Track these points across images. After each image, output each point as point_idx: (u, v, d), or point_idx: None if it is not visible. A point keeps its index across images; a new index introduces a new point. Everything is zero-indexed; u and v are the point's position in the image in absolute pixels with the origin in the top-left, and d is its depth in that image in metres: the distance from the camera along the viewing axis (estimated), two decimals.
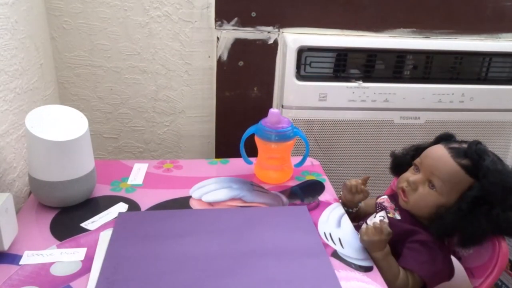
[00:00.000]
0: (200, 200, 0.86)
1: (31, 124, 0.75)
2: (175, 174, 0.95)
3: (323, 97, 1.17)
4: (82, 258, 0.68)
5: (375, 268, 0.71)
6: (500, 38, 1.25)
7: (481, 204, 0.74)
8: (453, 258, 0.83)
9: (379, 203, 0.88)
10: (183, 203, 0.85)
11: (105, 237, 0.73)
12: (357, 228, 0.81)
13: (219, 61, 1.18)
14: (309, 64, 1.18)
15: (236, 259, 0.69)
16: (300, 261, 0.69)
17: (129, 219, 0.78)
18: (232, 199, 0.87)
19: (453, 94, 1.22)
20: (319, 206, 0.86)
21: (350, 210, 0.92)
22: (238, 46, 1.17)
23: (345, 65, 1.21)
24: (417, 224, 0.82)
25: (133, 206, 0.83)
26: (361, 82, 1.18)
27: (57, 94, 1.15)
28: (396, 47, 1.19)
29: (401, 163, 0.90)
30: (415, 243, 0.79)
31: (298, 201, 0.88)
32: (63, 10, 1.08)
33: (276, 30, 1.17)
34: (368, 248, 0.74)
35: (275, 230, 0.77)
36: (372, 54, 1.21)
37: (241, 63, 1.19)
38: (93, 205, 0.83)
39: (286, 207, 0.86)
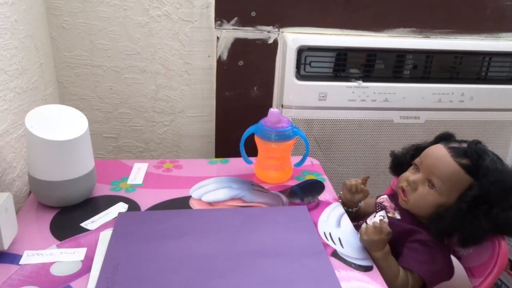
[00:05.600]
0: (200, 200, 0.86)
1: (31, 123, 0.75)
2: (175, 174, 0.95)
3: (323, 96, 1.17)
4: (82, 258, 0.68)
5: (375, 268, 0.71)
6: (500, 37, 1.25)
7: (481, 204, 0.74)
8: (453, 258, 0.83)
9: (379, 202, 0.88)
10: (183, 203, 0.85)
11: (105, 237, 0.73)
12: (357, 227, 0.81)
13: (219, 60, 1.18)
14: (309, 63, 1.18)
15: (236, 259, 0.69)
16: (300, 261, 0.69)
17: (129, 219, 0.78)
18: (232, 199, 0.87)
19: (453, 93, 1.22)
20: (319, 206, 0.87)
21: (350, 209, 0.92)
22: (238, 45, 1.17)
23: (345, 65, 1.20)
24: (417, 224, 0.82)
25: (133, 206, 0.83)
26: (361, 81, 1.17)
27: (57, 93, 1.15)
28: (396, 46, 1.19)
29: (401, 162, 0.90)
30: (415, 242, 0.79)
31: (298, 201, 0.88)
32: (63, 10, 1.08)
33: (276, 29, 1.16)
34: (368, 247, 0.74)
35: (275, 229, 0.77)
36: (372, 54, 1.21)
37: (241, 63, 1.19)
38: (93, 205, 0.83)
39: (286, 207, 0.86)
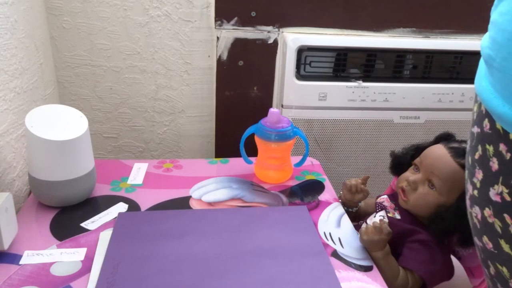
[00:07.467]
0: (200, 200, 0.86)
1: (31, 123, 0.75)
2: (175, 174, 0.95)
3: (323, 96, 1.17)
4: (82, 258, 0.68)
5: (375, 268, 0.71)
6: None
7: None
8: (453, 258, 0.84)
9: (379, 202, 0.88)
10: (183, 203, 0.85)
11: (105, 237, 0.73)
12: (357, 227, 0.81)
13: (219, 60, 1.18)
14: (309, 63, 1.18)
15: (236, 259, 0.69)
16: (300, 261, 0.69)
17: (129, 219, 0.78)
18: (232, 199, 0.87)
19: (452, 93, 1.22)
20: (319, 206, 0.87)
21: (350, 209, 0.92)
22: (238, 45, 1.17)
23: (345, 65, 1.20)
24: (417, 224, 0.82)
25: (133, 206, 0.83)
26: (361, 81, 1.17)
27: (57, 93, 1.15)
28: (396, 46, 1.19)
29: (401, 162, 0.90)
30: (415, 242, 0.79)
31: (298, 201, 0.88)
32: (63, 10, 1.07)
33: (276, 29, 1.16)
34: (368, 247, 0.74)
35: (275, 229, 0.77)
36: (372, 54, 1.21)
37: (241, 63, 1.19)
38: (93, 205, 0.83)
39: (286, 207, 0.86)
